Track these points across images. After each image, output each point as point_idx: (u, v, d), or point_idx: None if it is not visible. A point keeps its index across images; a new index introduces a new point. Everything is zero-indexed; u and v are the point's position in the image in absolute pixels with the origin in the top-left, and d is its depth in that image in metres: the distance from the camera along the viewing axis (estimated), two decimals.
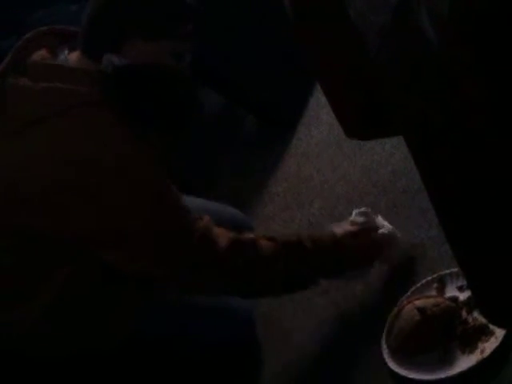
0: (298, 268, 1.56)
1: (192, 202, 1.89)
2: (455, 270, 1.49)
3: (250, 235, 1.59)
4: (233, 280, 1.54)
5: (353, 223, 1.68)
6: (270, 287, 1.58)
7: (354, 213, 1.71)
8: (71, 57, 1.51)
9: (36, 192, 1.42)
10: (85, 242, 1.45)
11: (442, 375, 1.35)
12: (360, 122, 1.26)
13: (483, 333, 1.37)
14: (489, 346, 1.34)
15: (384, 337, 1.49)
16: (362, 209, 1.72)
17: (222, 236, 1.52)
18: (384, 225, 1.68)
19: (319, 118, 2.31)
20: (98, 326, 1.57)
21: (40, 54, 1.51)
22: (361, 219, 1.68)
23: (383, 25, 0.96)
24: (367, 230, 1.66)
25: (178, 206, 1.51)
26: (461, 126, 0.90)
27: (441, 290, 1.53)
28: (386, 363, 1.45)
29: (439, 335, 1.41)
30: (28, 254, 1.48)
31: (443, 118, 0.90)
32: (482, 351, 1.34)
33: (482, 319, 1.37)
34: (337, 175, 2.09)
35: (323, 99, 1.24)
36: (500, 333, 1.34)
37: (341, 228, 1.66)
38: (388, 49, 0.95)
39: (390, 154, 1.97)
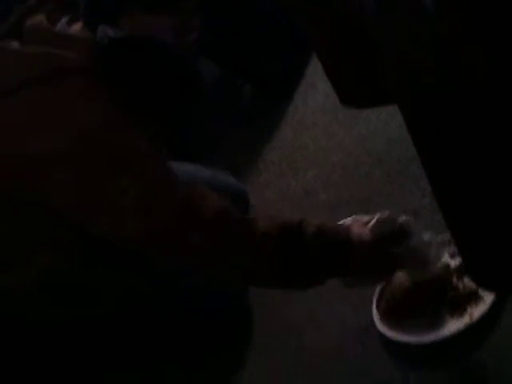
0: (292, 255, 1.36)
1: (187, 168, 1.90)
2: (447, 236, 1.51)
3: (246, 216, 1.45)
4: (215, 254, 1.39)
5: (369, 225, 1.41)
6: (259, 270, 1.38)
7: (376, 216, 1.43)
8: (74, 27, 1.51)
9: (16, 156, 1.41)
10: (71, 213, 1.42)
11: (430, 339, 1.37)
12: (355, 90, 1.27)
13: (472, 298, 1.39)
14: (477, 311, 1.36)
15: (374, 300, 1.51)
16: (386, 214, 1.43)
17: (209, 206, 1.39)
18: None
19: (316, 86, 2.32)
20: (93, 292, 1.58)
21: (37, 19, 1.50)
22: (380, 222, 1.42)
23: None
24: (386, 239, 1.40)
25: (163, 171, 1.44)
26: (457, 94, 0.90)
27: None
28: (375, 326, 1.47)
29: (429, 300, 1.44)
30: (21, 222, 1.48)
31: (439, 85, 0.91)
32: (471, 316, 1.36)
33: (471, 285, 1.39)
34: (332, 144, 2.10)
35: (320, 68, 1.24)
36: (489, 298, 1.36)
37: (358, 228, 1.41)
38: (384, 15, 0.95)
39: (386, 123, 1.98)
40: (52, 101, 1.39)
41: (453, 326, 1.37)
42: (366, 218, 1.44)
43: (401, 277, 1.48)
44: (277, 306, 1.73)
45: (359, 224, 1.42)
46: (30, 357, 1.63)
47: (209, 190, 1.45)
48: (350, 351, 1.50)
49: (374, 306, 1.50)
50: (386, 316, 1.47)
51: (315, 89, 2.32)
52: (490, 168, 0.94)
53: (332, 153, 2.07)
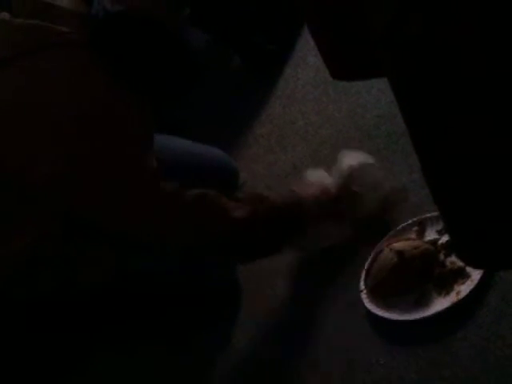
0: (262, 219, 1.52)
1: (175, 143, 1.89)
2: (436, 213, 1.50)
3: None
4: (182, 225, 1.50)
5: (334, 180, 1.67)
6: (230, 236, 1.52)
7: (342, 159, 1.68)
8: None
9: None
10: (52, 187, 1.42)
11: (417, 316, 1.37)
12: (346, 62, 1.25)
13: (460, 275, 1.39)
14: (464, 288, 1.36)
15: (362, 277, 1.51)
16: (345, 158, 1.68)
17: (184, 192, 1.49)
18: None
19: (306, 60, 2.30)
20: (75, 267, 1.57)
21: None
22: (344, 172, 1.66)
23: None
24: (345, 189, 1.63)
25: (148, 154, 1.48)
26: (447, 65, 0.89)
27: (420, 234, 1.54)
28: (362, 303, 1.47)
29: (416, 277, 1.43)
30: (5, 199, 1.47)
31: (426, 59, 0.90)
32: (458, 293, 1.36)
33: (459, 262, 1.39)
34: (322, 118, 2.08)
35: (311, 42, 1.23)
36: (476, 276, 1.36)
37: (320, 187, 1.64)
38: None
39: (376, 98, 1.97)
40: (47, 72, 1.38)
41: (439, 303, 1.37)
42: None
43: (388, 254, 1.48)
44: (264, 285, 1.72)
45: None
46: (15, 338, 1.63)
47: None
48: (336, 328, 1.50)
49: (362, 282, 1.50)
50: (372, 293, 1.47)
51: (306, 63, 2.30)
52: (478, 141, 0.93)
53: (321, 127, 2.06)
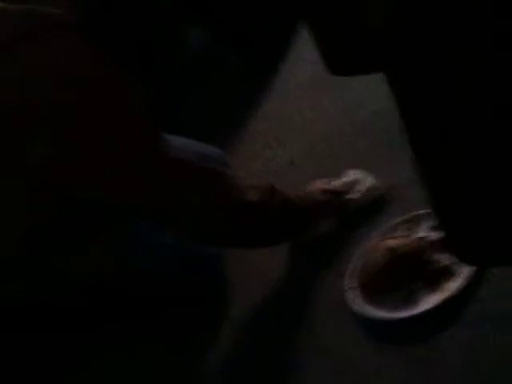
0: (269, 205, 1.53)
1: (172, 140, 1.88)
2: (429, 210, 1.49)
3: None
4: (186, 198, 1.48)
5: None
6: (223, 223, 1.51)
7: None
8: None
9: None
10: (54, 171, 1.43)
11: (405, 314, 1.37)
12: (344, 57, 1.24)
13: (449, 273, 1.38)
14: (454, 285, 1.35)
15: (347, 276, 1.50)
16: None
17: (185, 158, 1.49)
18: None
19: (303, 56, 2.29)
20: (72, 261, 1.58)
21: None
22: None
23: None
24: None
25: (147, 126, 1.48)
26: (444, 60, 0.89)
27: (413, 230, 1.53)
28: (348, 302, 1.46)
29: (406, 275, 1.43)
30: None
31: (424, 53, 0.89)
32: (447, 291, 1.35)
33: (448, 260, 1.38)
34: (317, 114, 2.08)
35: (307, 38, 1.22)
36: (465, 273, 1.35)
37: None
38: None
39: (371, 94, 1.95)
40: (43, 55, 1.38)
41: (428, 301, 1.36)
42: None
43: (379, 251, 1.47)
44: (254, 282, 1.72)
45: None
46: (14, 338, 1.63)
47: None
48: (324, 327, 1.50)
49: (347, 281, 1.49)
50: (362, 290, 1.46)
51: (302, 59, 2.29)
52: (471, 137, 0.92)
53: (317, 124, 2.06)
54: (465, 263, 1.33)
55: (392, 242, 1.49)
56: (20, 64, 1.40)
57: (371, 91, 1.96)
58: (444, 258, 1.39)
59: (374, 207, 1.67)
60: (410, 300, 1.39)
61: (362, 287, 1.46)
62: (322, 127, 2.03)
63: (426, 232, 1.51)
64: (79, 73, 1.38)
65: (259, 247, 1.62)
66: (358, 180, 1.71)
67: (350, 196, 1.69)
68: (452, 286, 1.35)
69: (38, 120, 1.38)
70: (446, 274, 1.38)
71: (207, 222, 1.50)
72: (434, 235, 1.48)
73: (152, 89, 1.74)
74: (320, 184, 1.70)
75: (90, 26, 1.42)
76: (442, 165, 0.98)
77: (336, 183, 1.71)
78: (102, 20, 1.43)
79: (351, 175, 1.73)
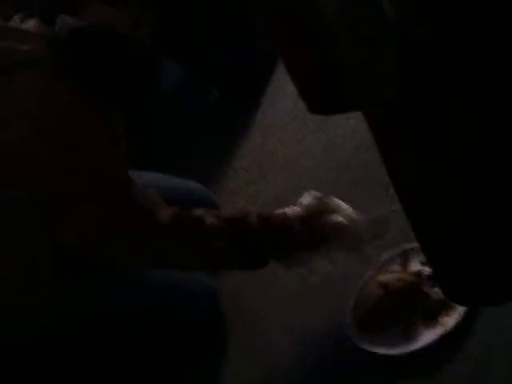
0: (241, 244, 1.49)
1: (152, 177, 1.87)
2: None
3: (196, 212, 1.51)
4: (172, 252, 1.48)
5: (301, 206, 1.56)
6: (213, 262, 1.53)
7: (305, 195, 1.59)
8: (28, 23, 1.47)
9: None
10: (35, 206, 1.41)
11: (404, 350, 1.36)
12: (322, 98, 1.25)
13: (445, 307, 1.38)
14: (451, 320, 1.35)
15: (348, 312, 1.49)
16: (312, 192, 1.59)
17: (163, 208, 1.46)
18: (340, 208, 1.56)
19: (284, 90, 2.29)
20: (59, 304, 1.55)
21: None
22: (311, 202, 1.56)
23: None
24: (317, 214, 1.54)
25: (121, 168, 1.47)
26: (418, 102, 0.89)
27: (404, 265, 1.53)
28: (349, 338, 1.46)
29: (402, 310, 1.42)
30: None
31: (401, 95, 0.89)
32: (444, 325, 1.35)
33: None
34: (301, 149, 2.08)
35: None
36: (461, 307, 1.34)
37: (292, 210, 1.56)
38: (346, 24, 0.93)
39: (354, 128, 1.97)
40: (8, 95, 1.37)
41: (426, 336, 1.36)
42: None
43: (372, 287, 1.47)
44: (252, 319, 1.71)
45: (290, 208, 1.58)
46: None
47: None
48: (326, 363, 1.49)
49: (348, 317, 1.48)
50: (359, 327, 1.46)
51: (284, 92, 2.29)
52: (457, 178, 0.92)
53: (301, 158, 2.06)
54: (455, 303, 1.33)
55: (384, 278, 1.49)
56: None
57: (353, 125, 1.97)
58: (439, 292, 1.39)
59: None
60: (409, 335, 1.38)
61: (361, 323, 1.45)
62: (305, 161, 2.03)
63: (417, 266, 1.51)
64: (54, 116, 1.37)
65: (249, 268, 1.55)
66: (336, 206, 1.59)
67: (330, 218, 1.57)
68: (449, 320, 1.35)
69: (15, 163, 1.37)
70: (443, 308, 1.38)
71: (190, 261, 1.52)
72: (426, 270, 1.48)
73: (131, 124, 1.72)
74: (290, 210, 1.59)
75: (61, 62, 1.41)
76: (424, 202, 0.98)
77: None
78: (73, 56, 1.42)
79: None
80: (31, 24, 1.47)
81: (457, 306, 1.36)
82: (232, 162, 2.25)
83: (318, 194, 1.59)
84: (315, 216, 1.54)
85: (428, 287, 1.43)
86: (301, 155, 2.06)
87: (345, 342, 1.46)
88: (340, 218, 1.53)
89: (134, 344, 1.65)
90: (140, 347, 1.67)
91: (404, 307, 1.42)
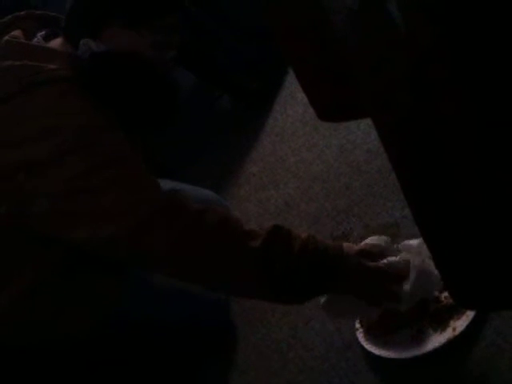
0: (279, 263, 1.30)
1: (165, 184, 1.88)
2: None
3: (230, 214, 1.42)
4: (196, 256, 1.35)
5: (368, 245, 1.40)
6: (243, 274, 1.33)
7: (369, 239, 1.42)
8: (53, 42, 1.50)
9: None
10: (50, 223, 1.41)
11: (414, 353, 1.36)
12: (331, 105, 1.26)
13: (455, 311, 1.38)
14: (460, 324, 1.35)
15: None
16: (383, 237, 1.43)
17: (191, 204, 1.38)
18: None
19: (295, 96, 2.31)
20: (71, 313, 1.55)
21: (13, 35, 1.49)
22: (380, 243, 1.39)
23: (351, 7, 0.95)
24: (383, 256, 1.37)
25: (144, 174, 1.43)
26: (428, 109, 0.90)
27: None
28: (358, 341, 1.46)
29: (412, 314, 1.42)
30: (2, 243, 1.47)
31: (410, 102, 0.90)
32: (454, 329, 1.35)
33: None
34: (312, 155, 2.09)
35: None
36: (471, 311, 1.35)
37: (353, 247, 1.38)
38: (355, 31, 0.94)
39: (366, 133, 1.97)
40: (27, 112, 1.38)
41: (436, 340, 1.36)
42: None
43: None
44: (260, 325, 1.71)
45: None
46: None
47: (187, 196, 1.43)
48: (334, 368, 1.49)
49: (357, 321, 1.49)
50: (368, 331, 1.46)
51: (294, 99, 2.31)
52: (466, 184, 0.93)
53: (312, 164, 2.06)
54: (464, 308, 1.33)
55: None
56: (18, 119, 1.40)
57: (364, 130, 1.98)
58: (448, 296, 1.39)
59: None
60: (418, 339, 1.38)
61: (369, 327, 1.46)
62: (317, 167, 2.04)
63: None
64: (77, 134, 1.38)
65: (279, 300, 1.41)
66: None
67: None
68: (459, 324, 1.35)
69: (38, 179, 1.37)
70: (453, 311, 1.38)
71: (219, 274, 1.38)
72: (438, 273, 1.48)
73: (148, 135, 1.74)
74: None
75: (85, 82, 1.43)
76: (434, 209, 0.98)
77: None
78: (97, 76, 1.44)
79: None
80: (55, 42, 1.49)
81: (466, 310, 1.36)
82: (243, 167, 2.26)
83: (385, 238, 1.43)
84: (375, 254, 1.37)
85: (438, 291, 1.44)
86: (312, 161, 2.07)
87: (353, 345, 1.47)
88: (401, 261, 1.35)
89: (143, 347, 1.65)
90: (148, 351, 1.67)
91: (414, 311, 1.43)
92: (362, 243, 1.41)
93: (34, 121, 1.39)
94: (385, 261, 1.36)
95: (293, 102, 2.31)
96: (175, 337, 1.67)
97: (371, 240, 1.41)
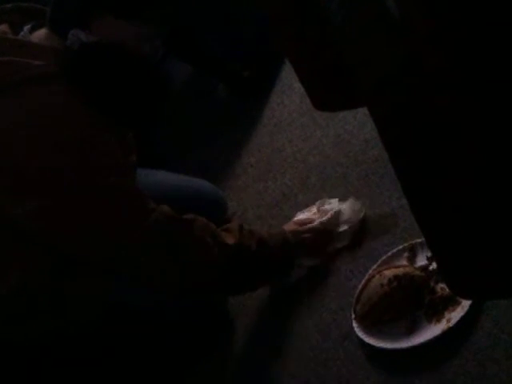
0: (241, 263, 1.56)
1: (160, 176, 1.88)
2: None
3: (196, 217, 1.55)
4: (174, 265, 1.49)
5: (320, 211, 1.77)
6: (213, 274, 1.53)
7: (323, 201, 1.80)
8: (37, 34, 1.48)
9: None
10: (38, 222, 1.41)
11: (408, 344, 1.36)
12: (328, 95, 1.25)
13: (450, 302, 1.38)
14: (455, 315, 1.35)
15: (353, 306, 1.50)
16: (332, 200, 1.79)
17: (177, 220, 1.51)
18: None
19: (291, 86, 2.30)
20: (68, 306, 1.55)
21: (0, 29, 1.47)
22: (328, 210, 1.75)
23: None
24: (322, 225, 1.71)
25: (132, 183, 1.49)
26: (424, 99, 0.89)
27: (411, 260, 1.54)
28: (354, 332, 1.46)
29: (407, 305, 1.42)
30: None
31: (406, 92, 0.90)
32: (449, 320, 1.35)
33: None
34: (309, 145, 2.08)
35: None
36: (466, 302, 1.35)
37: (293, 224, 1.74)
38: (350, 20, 0.94)
39: (362, 123, 1.97)
40: (26, 108, 1.37)
41: (431, 331, 1.36)
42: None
43: (378, 281, 1.47)
44: (256, 316, 1.71)
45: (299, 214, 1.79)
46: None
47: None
48: (331, 358, 1.49)
49: (353, 311, 1.49)
50: (363, 321, 1.46)
51: (291, 89, 2.30)
52: (462, 173, 0.92)
53: (309, 154, 2.06)
54: (461, 297, 1.33)
55: (391, 272, 1.49)
56: (4, 117, 1.39)
57: (361, 120, 1.97)
58: (445, 287, 1.39)
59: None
60: (413, 330, 1.38)
61: (365, 316, 1.46)
62: (313, 158, 2.03)
63: (423, 261, 1.51)
64: (66, 133, 1.38)
65: (246, 291, 1.66)
66: (339, 211, 1.74)
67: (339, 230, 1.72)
68: (454, 316, 1.35)
69: (25, 179, 1.37)
70: (448, 303, 1.38)
71: (193, 275, 1.53)
72: (432, 265, 1.48)
73: (140, 127, 1.73)
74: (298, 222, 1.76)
75: (73, 76, 1.41)
76: (430, 197, 0.98)
77: (317, 222, 1.73)
78: (86, 66, 1.43)
79: (327, 207, 1.77)
80: (40, 34, 1.47)
81: (462, 301, 1.36)
82: (240, 158, 2.25)
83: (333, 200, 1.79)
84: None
85: (433, 282, 1.44)
86: (309, 151, 2.06)
87: (349, 335, 1.47)
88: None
89: (138, 342, 1.65)
90: (143, 346, 1.67)
91: (409, 301, 1.42)
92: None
93: (20, 125, 1.37)
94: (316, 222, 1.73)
95: (289, 93, 2.30)
96: (172, 330, 1.67)
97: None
